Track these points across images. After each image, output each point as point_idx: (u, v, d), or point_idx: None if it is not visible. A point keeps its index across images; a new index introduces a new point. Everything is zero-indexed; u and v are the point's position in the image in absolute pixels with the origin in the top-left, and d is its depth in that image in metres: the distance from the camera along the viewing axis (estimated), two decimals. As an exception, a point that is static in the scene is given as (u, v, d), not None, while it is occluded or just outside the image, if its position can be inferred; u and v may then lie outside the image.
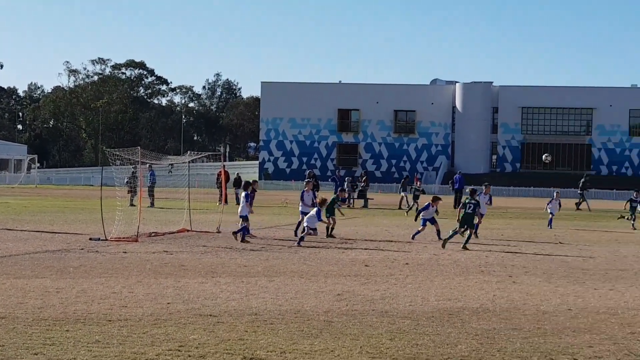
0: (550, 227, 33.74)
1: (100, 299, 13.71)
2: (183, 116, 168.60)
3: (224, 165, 41.17)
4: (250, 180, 29.08)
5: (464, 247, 23.87)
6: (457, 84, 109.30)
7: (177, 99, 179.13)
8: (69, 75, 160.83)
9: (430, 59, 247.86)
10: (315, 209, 25.46)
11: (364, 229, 31.08)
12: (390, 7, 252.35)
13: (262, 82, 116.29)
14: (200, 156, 34.28)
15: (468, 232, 24.59)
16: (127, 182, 41.57)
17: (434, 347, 10.68)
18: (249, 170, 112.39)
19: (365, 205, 52.04)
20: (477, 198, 25.40)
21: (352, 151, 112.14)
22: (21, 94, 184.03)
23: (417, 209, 33.63)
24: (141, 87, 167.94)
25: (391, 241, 26.33)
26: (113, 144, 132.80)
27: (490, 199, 31.40)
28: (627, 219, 36.90)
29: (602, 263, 21.35)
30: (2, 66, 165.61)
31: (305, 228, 24.77)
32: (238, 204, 26.26)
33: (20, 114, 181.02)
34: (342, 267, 19.00)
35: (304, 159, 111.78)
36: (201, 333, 11.19)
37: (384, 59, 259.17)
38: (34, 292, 14.17)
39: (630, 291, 16.20)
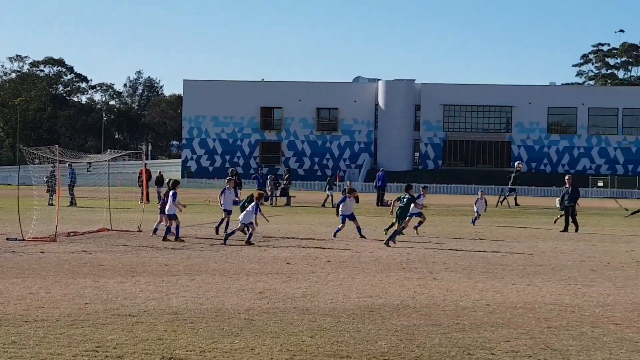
0: (474, 225, 34.10)
1: (17, 299, 13.45)
2: (104, 114, 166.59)
3: (145, 164, 40.87)
4: (172, 179, 28.85)
5: (387, 244, 24.04)
6: (379, 82, 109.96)
7: (97, 96, 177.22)
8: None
9: (353, 57, 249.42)
10: (248, 206, 25.23)
11: (287, 227, 31.06)
12: (314, 5, 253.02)
13: (184, 80, 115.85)
14: (121, 154, 33.92)
15: (395, 228, 24.79)
16: (45, 180, 40.92)
17: (354, 344, 10.69)
18: (171, 169, 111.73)
19: (288, 203, 52.08)
20: (412, 193, 25.58)
21: (274, 149, 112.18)
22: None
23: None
24: (60, 85, 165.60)
25: (313, 239, 26.36)
26: (31, 142, 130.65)
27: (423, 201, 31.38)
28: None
29: (521, 259, 21.65)
30: None
31: (240, 224, 24.65)
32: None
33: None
34: (264, 265, 18.95)
35: (227, 157, 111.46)
36: (119, 333, 11.04)
37: (307, 57, 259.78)
38: (-52, 294, 13.84)
39: (547, 286, 16.45)
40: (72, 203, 43.29)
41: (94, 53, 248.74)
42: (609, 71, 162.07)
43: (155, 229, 26.09)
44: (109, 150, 32.58)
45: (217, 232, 26.75)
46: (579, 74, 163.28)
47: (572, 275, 18.29)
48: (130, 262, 19.08)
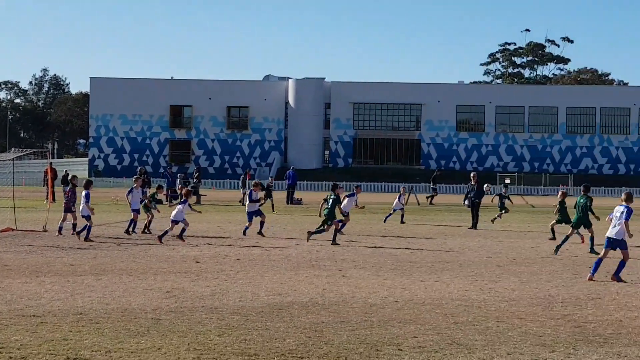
0: (385, 222, 34.30)
1: None
2: (9, 112, 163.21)
3: (50, 163, 40.17)
4: (71, 175, 28.47)
5: (334, 243, 24.17)
6: (289, 80, 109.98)
7: (2, 95, 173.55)
8: None
9: (263, 56, 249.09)
10: (180, 205, 25.00)
11: (196, 225, 30.83)
12: (224, 3, 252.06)
13: (91, 77, 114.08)
14: (25, 153, 33.34)
15: (333, 227, 24.83)
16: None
17: (262, 342, 10.67)
18: (78, 168, 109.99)
19: (197, 202, 51.69)
20: (337, 192, 25.57)
21: (184, 147, 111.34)
22: None
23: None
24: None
25: (223, 237, 26.26)
26: None
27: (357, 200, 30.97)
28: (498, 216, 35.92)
29: (429, 255, 21.88)
30: None
31: (170, 222, 24.43)
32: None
33: None
34: (172, 264, 18.79)
35: (136, 156, 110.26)
36: (23, 334, 10.83)
37: (217, 55, 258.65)
38: None
39: (455, 282, 16.66)
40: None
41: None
42: (516, 70, 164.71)
43: (60, 228, 25.68)
44: (13, 149, 31.97)
45: (128, 234, 26.33)
46: (486, 72, 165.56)
47: (479, 272, 18.56)
48: (35, 262, 18.74)
